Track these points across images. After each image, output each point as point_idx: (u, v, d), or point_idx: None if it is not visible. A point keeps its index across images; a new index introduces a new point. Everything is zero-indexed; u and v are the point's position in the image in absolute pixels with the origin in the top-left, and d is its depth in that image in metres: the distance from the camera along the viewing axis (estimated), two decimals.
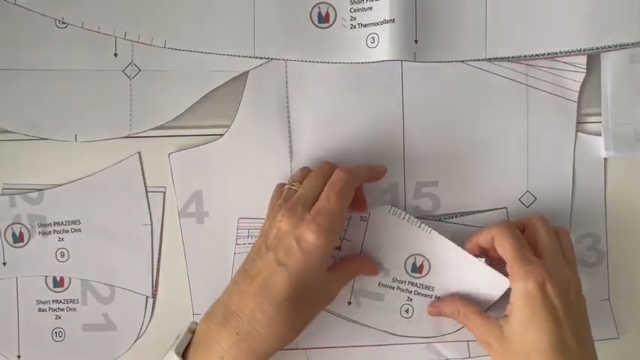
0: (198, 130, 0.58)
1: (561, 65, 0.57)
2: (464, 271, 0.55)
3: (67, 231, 0.58)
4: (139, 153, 0.58)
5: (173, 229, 0.58)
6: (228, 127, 0.57)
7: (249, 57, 0.57)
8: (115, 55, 0.57)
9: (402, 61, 0.56)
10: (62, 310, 0.58)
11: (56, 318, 0.58)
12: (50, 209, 0.57)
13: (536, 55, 0.56)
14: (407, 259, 0.55)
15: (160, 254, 0.58)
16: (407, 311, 0.56)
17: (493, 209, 0.57)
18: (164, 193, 0.58)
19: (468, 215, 0.57)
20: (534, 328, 0.48)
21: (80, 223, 0.57)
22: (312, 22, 0.56)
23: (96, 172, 0.58)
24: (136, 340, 0.58)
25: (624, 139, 0.57)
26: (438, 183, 0.57)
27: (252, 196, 0.57)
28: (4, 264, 0.58)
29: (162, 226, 0.58)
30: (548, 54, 0.56)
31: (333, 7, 0.56)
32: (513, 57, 0.56)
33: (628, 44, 0.56)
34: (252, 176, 0.57)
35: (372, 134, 0.57)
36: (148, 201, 0.58)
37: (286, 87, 0.57)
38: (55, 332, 0.58)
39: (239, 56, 0.57)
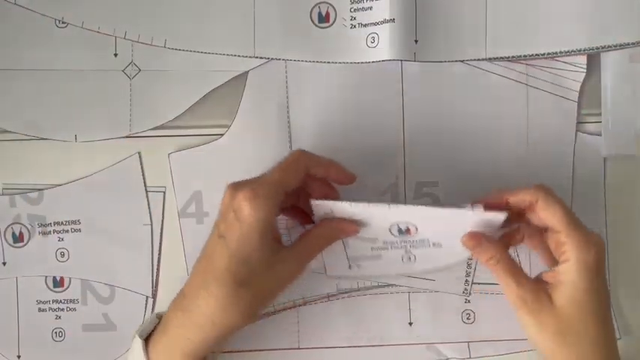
0: (198, 130, 0.58)
1: (561, 65, 0.57)
2: (454, 222, 0.51)
3: (67, 231, 0.57)
4: (139, 153, 0.58)
5: (173, 229, 0.58)
6: (228, 127, 0.57)
7: (249, 57, 0.57)
8: (115, 54, 0.57)
9: (402, 60, 0.56)
10: (62, 310, 0.58)
11: (56, 318, 0.58)
12: (50, 209, 0.57)
13: (536, 54, 0.56)
14: (390, 228, 0.52)
15: (159, 254, 0.58)
16: (409, 259, 0.54)
17: None
18: (164, 193, 0.58)
19: None
20: (591, 297, 0.47)
21: (80, 223, 0.57)
22: (312, 22, 0.56)
23: (96, 172, 0.58)
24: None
25: (624, 138, 0.57)
26: (438, 183, 0.57)
27: None
28: (4, 264, 0.58)
29: (162, 226, 0.58)
30: (549, 54, 0.56)
31: (333, 7, 0.56)
32: (513, 57, 0.56)
33: (628, 44, 0.56)
34: (252, 176, 0.57)
35: (372, 134, 0.57)
36: (147, 201, 0.58)
37: (286, 87, 0.57)
38: (55, 332, 0.58)
39: (239, 56, 0.57)
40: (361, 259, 0.55)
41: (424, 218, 0.51)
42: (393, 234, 0.52)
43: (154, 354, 0.49)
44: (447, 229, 0.52)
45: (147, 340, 0.50)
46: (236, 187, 0.48)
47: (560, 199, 0.49)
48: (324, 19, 0.56)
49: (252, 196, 0.47)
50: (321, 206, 0.51)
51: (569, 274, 0.47)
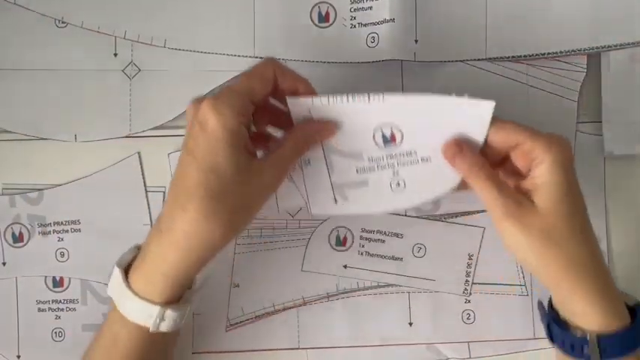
0: None
1: (562, 65, 0.56)
2: (439, 113, 0.48)
3: (67, 231, 0.57)
4: (139, 153, 0.58)
5: None
6: None
7: (249, 57, 0.57)
8: (115, 54, 0.57)
9: (402, 60, 0.56)
10: (62, 310, 0.58)
11: (56, 318, 0.57)
12: (50, 209, 0.57)
13: (536, 54, 0.56)
14: (374, 135, 0.49)
15: None
16: (398, 185, 0.51)
17: None
18: (164, 193, 0.58)
19: (468, 215, 0.57)
20: (570, 195, 0.46)
21: (80, 223, 0.57)
22: (312, 21, 0.56)
23: (95, 172, 0.58)
24: None
25: (624, 138, 0.57)
26: None
27: None
28: (4, 264, 0.58)
29: None
30: (549, 54, 0.56)
31: (333, 7, 0.56)
32: (513, 56, 0.56)
33: (628, 44, 0.56)
34: None
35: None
36: (147, 201, 0.58)
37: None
38: (55, 332, 0.58)
39: (239, 56, 0.57)
40: (347, 187, 0.51)
41: (408, 114, 0.48)
42: (377, 144, 0.50)
43: (133, 280, 0.47)
44: (433, 130, 0.49)
45: (127, 270, 0.48)
46: (199, 99, 0.46)
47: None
48: (323, 18, 0.56)
49: (215, 104, 0.45)
50: (299, 105, 0.49)
51: (546, 175, 0.46)
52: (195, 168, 0.45)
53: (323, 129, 0.49)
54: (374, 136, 0.50)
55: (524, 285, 0.57)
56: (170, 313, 0.47)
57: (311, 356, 0.57)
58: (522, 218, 0.46)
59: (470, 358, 0.57)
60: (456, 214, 0.57)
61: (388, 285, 0.57)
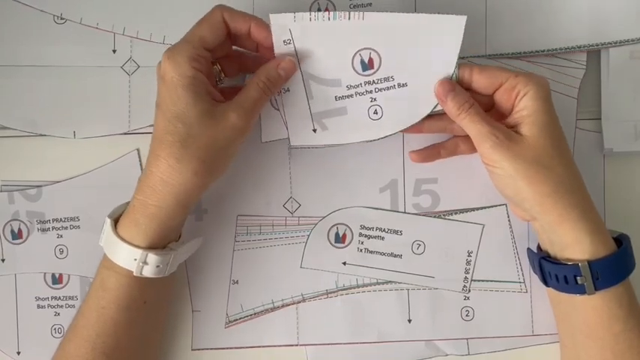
0: None
1: (561, 62, 0.56)
2: (415, 32, 0.51)
3: (66, 228, 0.57)
4: (138, 149, 0.58)
5: None
6: None
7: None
8: (114, 51, 0.57)
9: None
10: (61, 306, 0.58)
11: (55, 314, 0.58)
12: (49, 206, 0.57)
13: (536, 51, 0.56)
14: (353, 60, 0.51)
15: None
16: (375, 112, 0.53)
17: (492, 206, 0.57)
18: None
19: (467, 212, 0.57)
20: (554, 123, 0.50)
21: (79, 219, 0.57)
22: None
23: (95, 169, 0.58)
24: None
25: (624, 135, 0.57)
26: (437, 180, 0.57)
27: (250, 194, 0.57)
28: (3, 261, 0.58)
29: None
30: (549, 50, 0.56)
31: (333, 4, 0.56)
32: (513, 53, 0.56)
33: (628, 41, 0.56)
34: (250, 173, 0.57)
35: None
36: None
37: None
38: (55, 328, 0.58)
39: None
40: (326, 116, 0.53)
41: (386, 35, 0.51)
42: (356, 70, 0.52)
43: (120, 228, 0.50)
44: (410, 52, 0.51)
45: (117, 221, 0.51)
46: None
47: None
48: None
49: (169, 55, 0.48)
50: (281, 22, 0.50)
51: (530, 106, 0.49)
52: (162, 118, 0.48)
53: (285, 64, 0.51)
54: (352, 62, 0.51)
55: (523, 282, 0.57)
56: (153, 257, 0.49)
57: (310, 353, 0.57)
58: (513, 147, 0.49)
59: (469, 354, 0.57)
60: (456, 211, 0.57)
61: (387, 282, 0.57)
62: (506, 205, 0.57)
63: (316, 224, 0.57)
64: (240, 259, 0.57)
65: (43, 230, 0.57)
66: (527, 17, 0.56)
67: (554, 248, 0.51)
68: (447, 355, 0.57)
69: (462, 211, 0.57)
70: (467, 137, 0.52)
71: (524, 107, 0.49)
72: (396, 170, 0.57)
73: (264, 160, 0.57)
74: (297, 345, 0.58)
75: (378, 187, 0.57)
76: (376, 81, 0.52)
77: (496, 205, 0.57)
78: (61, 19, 0.57)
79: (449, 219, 0.57)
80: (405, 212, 0.57)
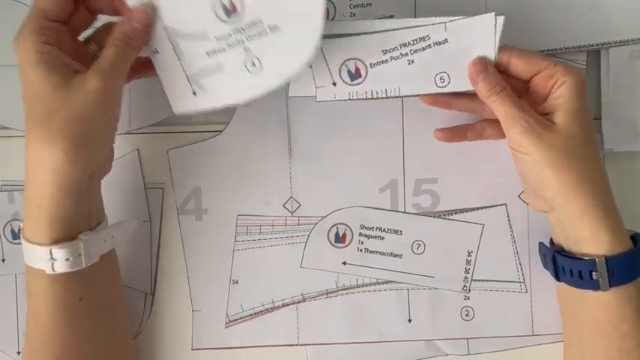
0: (197, 127, 0.57)
1: (561, 62, 0.56)
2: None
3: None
4: (138, 150, 0.58)
5: (172, 225, 0.58)
6: (227, 124, 0.57)
7: None
8: None
9: None
10: None
11: None
12: None
13: (536, 51, 0.56)
14: (214, 6, 0.48)
15: (158, 251, 0.58)
16: (253, 65, 0.49)
17: (492, 206, 0.57)
18: (163, 189, 0.58)
19: (467, 212, 0.57)
20: (586, 115, 0.50)
21: None
22: None
23: None
24: (134, 337, 0.58)
25: (624, 135, 0.57)
26: (437, 180, 0.57)
27: (250, 193, 0.57)
28: (3, 260, 0.58)
29: (160, 222, 0.58)
30: (549, 50, 0.56)
31: (333, 3, 0.56)
32: None
33: (628, 41, 0.56)
34: (250, 173, 0.57)
35: (371, 130, 0.57)
36: (146, 198, 0.57)
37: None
38: None
39: None
40: (202, 75, 0.50)
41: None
42: (219, 17, 0.48)
43: (24, 229, 0.48)
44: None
45: None
46: None
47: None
48: None
49: (17, 36, 0.46)
50: None
51: (566, 95, 0.49)
52: (24, 101, 0.46)
53: (139, 16, 0.48)
54: (215, 7, 0.48)
55: (523, 282, 0.57)
56: (57, 251, 0.46)
57: (310, 353, 0.58)
58: (543, 134, 0.48)
59: (469, 354, 0.57)
60: (456, 211, 0.57)
61: (387, 282, 0.57)
62: (505, 204, 0.57)
63: (316, 224, 0.57)
64: (240, 259, 0.57)
65: None
66: (527, 17, 0.56)
67: (569, 242, 0.50)
68: (447, 355, 0.57)
69: (462, 211, 0.57)
70: (496, 121, 0.52)
71: (560, 96, 0.49)
72: (396, 170, 0.57)
73: (264, 160, 0.57)
74: (297, 345, 0.58)
75: (378, 187, 0.57)
76: (244, 28, 0.48)
77: (496, 205, 0.57)
78: None
79: (449, 219, 0.57)
80: (405, 212, 0.57)
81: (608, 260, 0.48)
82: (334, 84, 0.52)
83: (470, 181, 0.57)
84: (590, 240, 0.49)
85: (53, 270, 0.47)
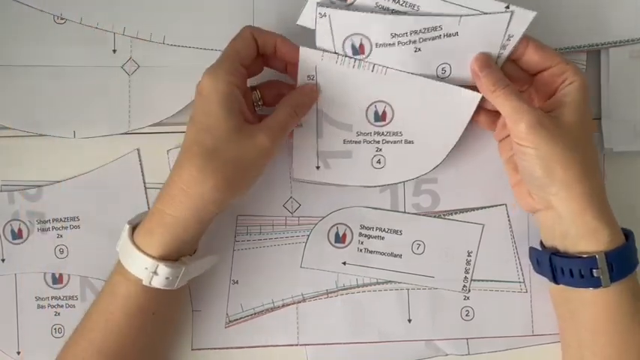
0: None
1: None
2: (431, 98, 0.53)
3: (66, 227, 0.57)
4: (138, 150, 0.58)
5: None
6: None
7: None
8: (114, 51, 0.57)
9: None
10: (61, 306, 0.58)
11: (55, 314, 0.58)
12: (49, 206, 0.57)
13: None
14: (367, 109, 0.54)
15: None
16: (379, 162, 0.55)
17: (492, 206, 0.57)
18: None
19: (467, 212, 0.57)
20: (589, 115, 0.51)
21: (79, 219, 0.57)
22: None
23: (95, 169, 0.58)
24: None
25: (624, 135, 0.57)
26: (437, 180, 0.57)
27: (250, 194, 0.57)
28: (3, 260, 0.58)
29: None
30: None
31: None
32: None
33: (628, 41, 0.56)
34: (249, 175, 0.57)
35: None
36: (147, 198, 0.57)
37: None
38: (55, 328, 0.58)
39: None
40: (331, 156, 0.55)
41: (403, 93, 0.53)
42: (368, 119, 0.54)
43: (136, 235, 0.50)
44: (422, 113, 0.53)
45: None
46: None
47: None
48: None
49: (209, 71, 0.50)
50: (309, 56, 0.52)
51: (574, 93, 0.50)
52: (192, 129, 0.49)
53: (311, 92, 0.53)
54: (367, 111, 0.54)
55: (523, 282, 0.57)
56: (163, 268, 0.49)
57: (310, 353, 0.57)
58: (551, 128, 0.48)
59: (469, 354, 0.57)
60: (456, 211, 0.57)
61: (387, 282, 0.57)
62: (505, 204, 0.57)
63: (316, 224, 0.57)
64: (240, 259, 0.57)
65: (43, 230, 0.57)
66: None
67: (566, 241, 0.50)
68: (447, 355, 0.57)
69: (461, 211, 0.57)
70: (487, 111, 0.53)
71: (568, 94, 0.50)
72: None
73: None
74: (297, 345, 0.58)
75: (378, 188, 0.57)
76: (385, 133, 0.54)
77: (496, 205, 0.57)
78: (61, 19, 0.57)
79: (449, 219, 0.57)
80: (405, 212, 0.57)
81: (608, 255, 0.49)
82: (336, 54, 0.53)
83: (470, 181, 0.57)
84: (591, 235, 0.49)
85: (150, 283, 0.49)
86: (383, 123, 0.54)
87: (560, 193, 0.49)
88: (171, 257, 0.50)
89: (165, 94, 0.57)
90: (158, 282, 0.49)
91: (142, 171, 0.58)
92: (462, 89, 0.52)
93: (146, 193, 0.58)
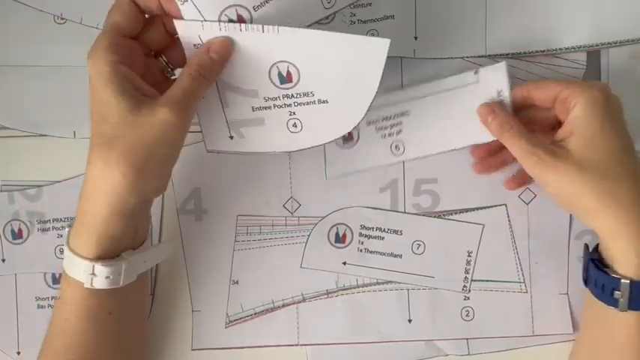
0: (197, 127, 0.57)
1: (561, 62, 0.56)
2: (335, 51, 0.48)
3: (66, 227, 0.57)
4: None
5: (172, 225, 0.58)
6: None
7: None
8: None
9: (401, 57, 0.56)
10: None
11: None
12: (49, 206, 0.57)
13: (535, 51, 0.56)
14: (270, 72, 0.49)
15: None
16: (295, 125, 0.51)
17: (492, 206, 0.57)
18: None
19: (467, 212, 0.57)
20: (605, 134, 0.48)
21: None
22: None
23: None
24: None
25: None
26: (437, 180, 0.57)
27: (250, 194, 0.57)
28: (3, 261, 0.58)
29: (161, 222, 0.58)
30: (549, 50, 0.56)
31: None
32: (513, 53, 0.56)
33: (628, 41, 0.56)
34: (250, 173, 0.57)
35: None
36: None
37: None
38: None
39: None
40: (243, 125, 0.51)
41: (304, 51, 0.48)
42: (273, 82, 0.49)
43: (71, 238, 0.48)
44: (330, 70, 0.48)
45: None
46: None
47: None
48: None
49: (90, 53, 0.46)
50: (187, 29, 0.47)
51: (579, 115, 0.48)
52: (91, 121, 0.46)
53: (218, 48, 0.47)
54: (269, 74, 0.49)
55: (523, 282, 0.57)
56: (100, 268, 0.47)
57: (310, 353, 0.57)
58: (554, 164, 0.47)
59: (469, 354, 0.57)
60: (456, 211, 0.57)
61: (387, 282, 0.57)
62: (505, 205, 0.57)
63: (316, 224, 0.57)
64: (240, 259, 0.57)
65: (43, 230, 0.57)
66: (527, 17, 0.55)
67: (607, 256, 0.49)
68: (447, 355, 0.57)
69: (461, 211, 0.57)
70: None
71: (574, 117, 0.48)
72: (396, 170, 0.57)
73: (264, 160, 0.57)
74: (297, 345, 0.58)
75: (378, 187, 0.57)
76: (295, 95, 0.50)
77: (496, 205, 0.57)
78: (61, 19, 0.57)
79: (449, 219, 0.57)
80: (405, 212, 0.57)
81: (633, 285, 0.47)
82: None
83: (470, 181, 0.57)
84: (622, 260, 0.48)
85: (92, 285, 0.47)
86: (290, 85, 0.49)
87: (588, 223, 0.49)
88: (108, 255, 0.47)
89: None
90: (99, 283, 0.47)
91: None
92: (365, 37, 0.47)
93: None
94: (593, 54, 0.57)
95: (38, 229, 0.57)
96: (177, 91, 0.46)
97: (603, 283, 0.49)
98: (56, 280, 0.57)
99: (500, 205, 0.57)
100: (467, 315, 0.57)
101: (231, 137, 0.52)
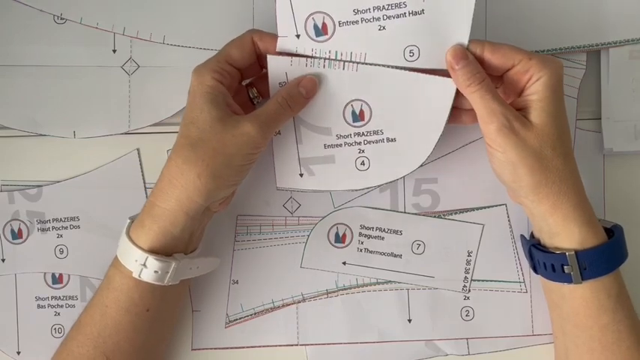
0: None
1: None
2: (407, 90, 0.51)
3: (66, 227, 0.57)
4: (138, 149, 0.58)
5: None
6: None
7: None
8: (114, 51, 0.57)
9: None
10: (61, 306, 0.58)
11: (55, 314, 0.58)
12: (49, 206, 0.57)
13: (536, 51, 0.56)
14: (344, 110, 0.52)
15: None
16: (362, 163, 0.54)
17: (492, 206, 0.57)
18: None
19: (467, 212, 0.57)
20: (561, 111, 0.49)
21: (79, 219, 0.57)
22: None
23: (95, 169, 0.58)
24: None
25: (624, 135, 0.57)
26: (437, 180, 0.57)
27: (250, 194, 0.57)
28: (3, 260, 0.58)
29: None
30: (549, 50, 0.56)
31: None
32: None
33: (628, 41, 0.55)
34: (250, 173, 0.57)
35: None
36: (146, 197, 0.57)
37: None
38: (55, 328, 0.58)
39: None
40: (313, 162, 0.54)
41: (378, 88, 0.51)
42: (347, 120, 0.52)
43: (132, 228, 0.51)
44: (400, 108, 0.52)
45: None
46: None
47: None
48: None
49: (196, 69, 0.51)
50: (277, 63, 0.51)
51: (542, 92, 0.48)
52: (181, 124, 0.50)
53: (307, 84, 0.52)
54: (344, 112, 0.52)
55: (523, 282, 0.57)
56: (152, 261, 0.49)
57: (310, 353, 0.57)
58: (521, 133, 0.48)
59: (469, 354, 0.57)
60: (456, 211, 0.57)
61: (387, 282, 0.57)
62: (505, 204, 0.57)
63: (316, 224, 0.57)
64: (240, 259, 0.57)
65: (43, 230, 0.58)
66: (528, 17, 0.56)
67: (544, 236, 0.51)
68: (447, 355, 0.57)
69: (461, 211, 0.57)
70: (467, 110, 0.52)
71: (534, 92, 0.48)
72: None
73: (264, 160, 0.57)
74: (297, 345, 0.58)
75: (378, 187, 0.57)
76: (365, 133, 0.53)
77: (496, 205, 0.57)
78: (61, 19, 0.57)
79: (449, 219, 0.57)
80: (405, 212, 0.57)
81: (579, 254, 0.49)
82: (297, 36, 0.52)
83: (470, 181, 0.57)
84: (562, 234, 0.49)
85: (139, 276, 0.50)
86: (362, 123, 0.53)
87: (528, 196, 0.49)
88: (161, 251, 0.50)
89: (165, 94, 0.57)
90: (147, 275, 0.49)
91: (142, 171, 0.58)
92: (436, 77, 0.50)
93: (146, 193, 0.58)
94: (593, 54, 0.57)
95: (38, 229, 0.57)
96: (263, 112, 0.50)
97: (552, 263, 0.50)
98: (56, 280, 0.58)
99: (500, 205, 0.57)
100: (467, 315, 0.57)
101: (301, 175, 0.54)
